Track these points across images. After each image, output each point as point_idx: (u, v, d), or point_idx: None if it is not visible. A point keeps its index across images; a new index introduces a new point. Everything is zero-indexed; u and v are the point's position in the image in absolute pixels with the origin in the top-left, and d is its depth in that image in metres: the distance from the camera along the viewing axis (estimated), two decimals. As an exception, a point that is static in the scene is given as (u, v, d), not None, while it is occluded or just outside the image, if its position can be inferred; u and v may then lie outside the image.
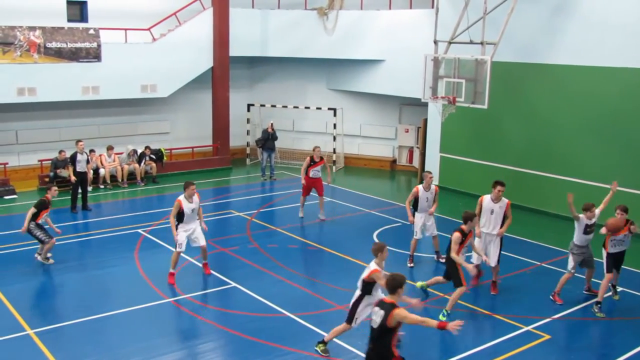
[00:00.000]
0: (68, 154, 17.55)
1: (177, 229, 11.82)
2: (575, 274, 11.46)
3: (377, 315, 7.13)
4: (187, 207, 11.75)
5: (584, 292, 11.72)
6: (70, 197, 16.87)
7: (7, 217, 16.31)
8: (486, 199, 11.55)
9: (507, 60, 17.40)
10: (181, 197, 11.79)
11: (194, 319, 10.63)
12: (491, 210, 11.45)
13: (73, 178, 16.58)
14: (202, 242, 12.11)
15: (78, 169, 16.80)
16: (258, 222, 16.21)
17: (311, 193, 16.35)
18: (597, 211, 11.17)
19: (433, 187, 13.12)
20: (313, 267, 12.96)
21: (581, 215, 10.99)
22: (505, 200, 11.48)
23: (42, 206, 12.71)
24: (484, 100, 15.79)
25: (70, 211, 16.65)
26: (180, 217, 11.82)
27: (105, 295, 11.50)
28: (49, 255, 12.88)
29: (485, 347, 9.78)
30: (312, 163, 16.06)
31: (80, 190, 16.92)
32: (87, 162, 17.16)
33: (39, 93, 18.76)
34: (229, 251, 13.85)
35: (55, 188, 13.26)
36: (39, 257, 12.86)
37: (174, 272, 12.06)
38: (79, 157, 16.81)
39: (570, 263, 11.27)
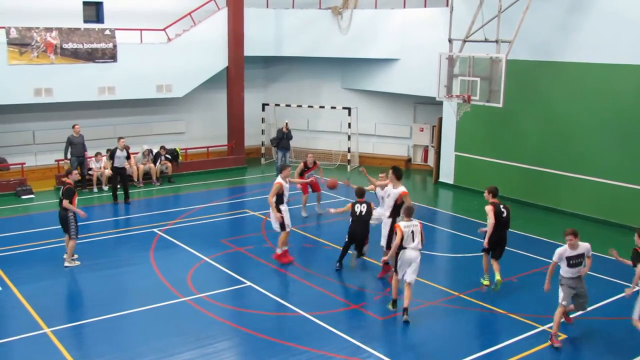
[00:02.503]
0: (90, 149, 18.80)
1: (278, 211, 12.54)
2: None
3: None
4: (286, 187, 12.62)
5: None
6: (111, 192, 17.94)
7: (25, 217, 16.48)
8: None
9: (522, 59, 17.30)
10: (279, 179, 12.59)
11: (209, 318, 10.66)
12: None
13: (109, 172, 17.37)
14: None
15: (116, 164, 17.63)
16: (273, 221, 16.21)
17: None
18: (585, 244, 9.69)
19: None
20: (328, 266, 12.94)
21: (561, 248, 9.65)
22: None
23: (71, 195, 12.46)
24: (499, 99, 15.73)
25: (112, 201, 17.61)
26: (280, 199, 12.61)
27: (121, 294, 11.58)
28: (75, 256, 12.88)
29: (502, 347, 9.74)
30: (306, 169, 16.49)
31: (121, 185, 17.75)
32: (127, 157, 17.93)
33: (56, 93, 18.93)
34: (244, 250, 13.86)
35: (76, 172, 13.36)
36: (66, 263, 12.74)
37: (287, 249, 12.93)
38: (118, 152, 17.62)
39: (560, 294, 9.77)
